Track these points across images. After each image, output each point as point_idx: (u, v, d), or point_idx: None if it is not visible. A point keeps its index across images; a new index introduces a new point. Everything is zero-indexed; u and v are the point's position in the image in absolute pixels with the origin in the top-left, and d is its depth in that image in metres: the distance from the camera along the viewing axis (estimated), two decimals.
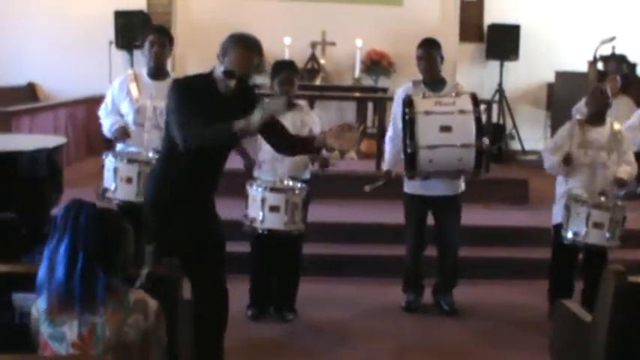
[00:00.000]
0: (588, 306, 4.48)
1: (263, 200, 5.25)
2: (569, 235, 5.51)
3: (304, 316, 5.84)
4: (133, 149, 5.45)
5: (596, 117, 5.80)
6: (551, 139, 6.25)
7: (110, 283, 2.71)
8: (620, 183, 5.67)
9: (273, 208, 5.24)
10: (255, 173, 5.66)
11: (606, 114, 5.83)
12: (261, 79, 10.76)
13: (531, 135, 11.53)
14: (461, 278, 6.20)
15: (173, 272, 3.54)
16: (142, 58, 5.77)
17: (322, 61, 11.43)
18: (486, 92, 10.99)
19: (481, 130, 5.44)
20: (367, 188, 5.87)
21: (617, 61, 10.88)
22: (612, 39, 10.25)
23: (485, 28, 11.73)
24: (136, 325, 2.72)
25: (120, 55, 10.81)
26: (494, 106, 10.78)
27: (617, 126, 5.82)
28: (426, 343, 5.58)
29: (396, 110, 5.86)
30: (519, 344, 5.55)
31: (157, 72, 5.59)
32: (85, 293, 2.67)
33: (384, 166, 6.02)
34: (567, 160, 5.68)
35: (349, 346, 5.47)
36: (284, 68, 5.67)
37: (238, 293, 5.85)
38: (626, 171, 5.69)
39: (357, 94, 11.03)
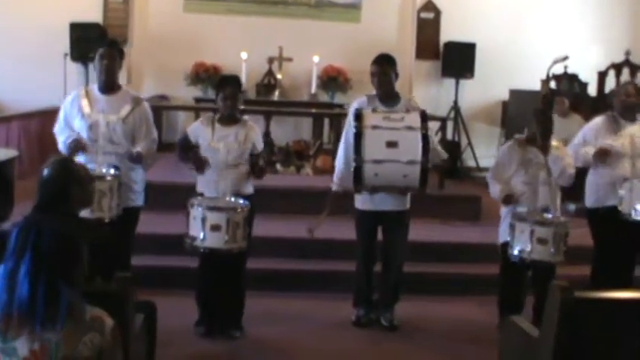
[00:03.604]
0: (539, 322, 4.54)
1: (203, 219, 5.22)
2: (515, 252, 5.56)
3: (253, 333, 5.80)
4: (89, 166, 5.39)
5: (535, 136, 5.86)
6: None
7: (71, 301, 2.69)
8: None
9: (214, 227, 5.22)
10: (199, 188, 5.65)
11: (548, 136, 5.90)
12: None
13: (486, 152, 11.64)
14: (413, 294, 6.24)
15: (123, 289, 3.53)
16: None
17: (279, 77, 11.46)
18: (442, 109, 11.11)
19: (427, 147, 5.49)
20: (311, 232, 5.91)
21: (569, 80, 11.10)
22: (565, 58, 10.43)
23: (441, 45, 11.86)
24: (91, 343, 2.69)
25: (75, 68, 10.75)
26: (450, 124, 10.92)
27: (555, 143, 5.88)
28: (374, 359, 5.59)
29: (349, 123, 5.87)
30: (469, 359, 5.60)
31: (108, 86, 5.54)
32: (47, 314, 2.65)
33: (333, 186, 6.04)
34: (507, 201, 5.77)
35: None
36: (227, 84, 5.69)
37: (186, 309, 5.84)
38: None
39: (313, 110, 11.06)
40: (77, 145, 5.38)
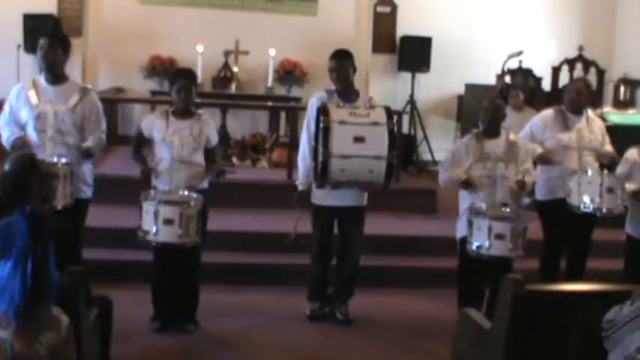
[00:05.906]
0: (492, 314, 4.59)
1: (156, 213, 5.17)
2: (474, 248, 5.56)
3: (207, 327, 5.79)
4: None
5: (491, 130, 5.91)
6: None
7: None
8: (520, 185, 5.78)
9: (167, 221, 5.17)
10: (152, 182, 5.61)
11: (500, 126, 5.96)
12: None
13: (441, 145, 11.70)
14: (368, 287, 6.26)
15: (75, 283, 3.49)
16: None
17: (235, 70, 11.41)
18: (398, 103, 11.13)
19: (394, 142, 5.50)
20: (290, 238, 5.91)
21: (523, 74, 11.23)
22: (519, 53, 10.55)
23: (397, 39, 11.89)
24: (47, 342, 2.67)
25: (28, 59, 10.57)
26: (406, 117, 10.96)
27: (512, 137, 5.94)
28: (329, 353, 5.60)
29: (309, 118, 5.85)
30: (424, 353, 5.63)
31: (54, 77, 5.47)
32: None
33: (299, 186, 5.98)
34: (466, 184, 5.79)
35: (252, 356, 5.45)
36: (181, 77, 5.67)
37: (142, 303, 5.80)
38: (525, 177, 5.84)
39: (269, 104, 11.02)
40: (22, 143, 5.31)
